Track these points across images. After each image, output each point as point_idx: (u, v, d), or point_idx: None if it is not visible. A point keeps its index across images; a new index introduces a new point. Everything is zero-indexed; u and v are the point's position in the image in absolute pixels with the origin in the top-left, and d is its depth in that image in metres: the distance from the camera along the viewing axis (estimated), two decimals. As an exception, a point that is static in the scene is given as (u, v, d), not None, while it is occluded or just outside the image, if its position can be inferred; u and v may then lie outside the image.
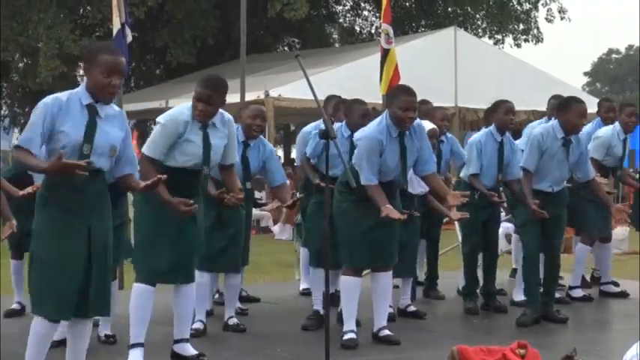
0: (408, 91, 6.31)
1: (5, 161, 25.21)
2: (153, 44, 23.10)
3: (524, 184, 7.12)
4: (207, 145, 5.66)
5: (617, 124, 8.40)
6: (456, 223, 8.74)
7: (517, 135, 8.73)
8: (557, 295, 7.68)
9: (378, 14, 24.41)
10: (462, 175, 7.82)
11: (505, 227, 9.22)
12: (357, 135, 6.41)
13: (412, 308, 7.51)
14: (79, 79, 22.57)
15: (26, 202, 5.96)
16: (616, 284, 8.70)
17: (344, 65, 17.73)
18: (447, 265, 8.97)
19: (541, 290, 7.45)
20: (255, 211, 15.89)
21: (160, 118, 5.66)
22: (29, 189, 6.34)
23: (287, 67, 18.02)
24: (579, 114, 7.05)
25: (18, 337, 6.33)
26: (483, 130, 7.78)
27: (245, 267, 7.28)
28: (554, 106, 8.46)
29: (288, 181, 7.29)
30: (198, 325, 6.51)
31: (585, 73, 69.96)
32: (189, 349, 5.80)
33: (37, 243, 4.56)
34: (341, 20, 28.64)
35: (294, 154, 21.76)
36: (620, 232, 12.65)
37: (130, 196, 7.13)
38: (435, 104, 8.87)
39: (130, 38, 9.07)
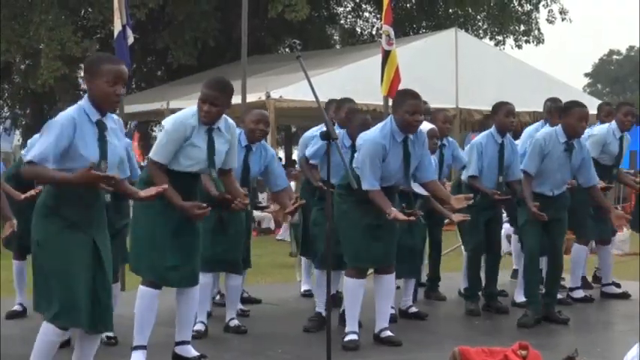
0: (414, 95, 6.32)
1: (6, 162, 25.22)
2: (154, 46, 23.11)
3: (524, 186, 7.14)
4: (211, 148, 5.67)
5: (613, 122, 8.44)
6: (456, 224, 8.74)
7: (517, 135, 8.74)
8: (558, 296, 7.69)
9: (379, 15, 24.42)
10: (462, 177, 7.83)
11: (506, 228, 9.22)
12: (360, 139, 6.41)
13: (414, 309, 7.52)
14: (80, 80, 22.59)
15: (27, 203, 5.98)
16: (617, 285, 8.70)
17: (345, 66, 17.73)
18: (447, 267, 8.96)
19: (543, 291, 7.46)
20: (256, 213, 15.88)
21: (167, 123, 5.66)
22: (32, 192, 6.37)
23: (288, 68, 18.03)
24: (579, 117, 7.06)
25: (20, 339, 6.35)
26: (484, 132, 7.79)
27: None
28: (549, 108, 8.48)
29: (289, 185, 7.28)
30: (199, 327, 6.52)
31: (586, 74, 69.93)
32: (191, 351, 5.81)
33: (43, 255, 4.53)
34: (342, 21, 28.65)
35: (295, 156, 21.79)
36: (622, 232, 12.65)
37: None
38: (436, 105, 8.90)
39: (131, 40, 9.09)
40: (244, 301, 7.91)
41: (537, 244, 7.17)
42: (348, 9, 28.44)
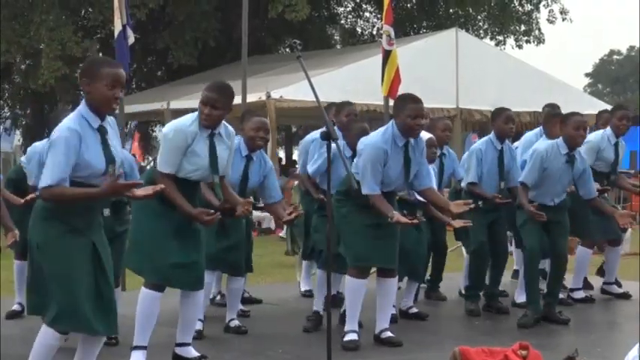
0: (415, 99, 6.32)
1: (7, 163, 25.23)
2: (154, 46, 23.10)
3: (521, 195, 7.14)
4: (213, 154, 5.67)
5: (608, 128, 8.32)
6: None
7: (517, 136, 8.72)
8: (559, 296, 7.70)
9: (379, 15, 24.42)
10: (462, 184, 7.84)
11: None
12: (361, 143, 6.41)
13: (414, 310, 7.52)
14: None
15: (28, 206, 5.99)
16: (619, 285, 8.70)
17: (345, 67, 17.72)
18: (448, 267, 8.95)
19: (545, 291, 7.46)
20: (256, 213, 15.86)
21: (167, 131, 5.64)
22: (32, 195, 6.39)
23: (288, 68, 18.02)
24: (576, 126, 7.07)
25: (20, 339, 6.36)
26: (483, 139, 7.80)
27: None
28: (546, 114, 8.47)
29: (282, 197, 7.24)
30: (198, 326, 6.51)
31: (587, 74, 69.93)
32: (192, 352, 5.81)
33: (43, 258, 4.50)
34: (342, 21, 28.63)
35: (295, 156, 21.80)
36: (631, 229, 12.63)
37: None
38: (437, 105, 8.91)
39: (131, 40, 9.10)
40: (245, 300, 7.92)
41: (537, 244, 7.17)
42: (348, 9, 28.43)
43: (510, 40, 27.17)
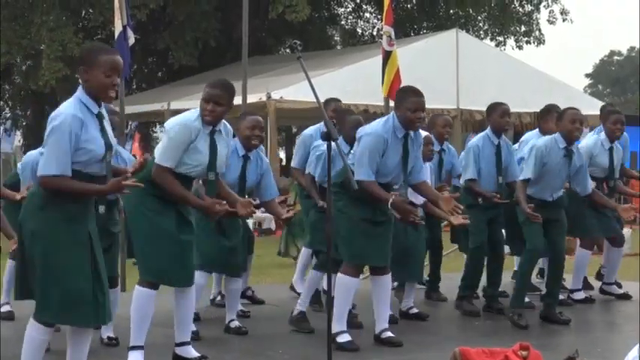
0: (416, 92, 6.34)
1: (7, 164, 25.21)
2: (155, 46, 23.12)
3: (519, 191, 7.10)
4: (213, 151, 5.68)
5: (602, 133, 8.23)
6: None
7: (517, 136, 8.72)
8: (559, 296, 7.70)
9: (379, 16, 24.41)
10: (461, 181, 7.83)
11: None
12: (360, 131, 6.41)
13: (414, 310, 7.52)
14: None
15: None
16: (619, 285, 8.70)
17: (346, 67, 17.74)
18: (448, 267, 8.97)
19: (544, 292, 7.46)
20: (257, 214, 15.84)
21: (170, 127, 5.62)
22: (24, 192, 6.42)
23: (289, 69, 18.04)
24: (572, 119, 7.08)
25: (15, 340, 6.33)
26: (479, 135, 7.79)
27: (249, 268, 7.28)
28: (541, 109, 8.43)
29: (278, 193, 7.24)
30: (193, 327, 6.48)
31: (587, 75, 69.95)
32: (192, 352, 5.81)
33: (39, 247, 4.47)
34: (342, 22, 28.66)
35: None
36: (624, 232, 12.62)
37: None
38: (437, 106, 8.92)
39: (132, 40, 9.10)
40: (249, 299, 7.91)
41: (540, 244, 7.14)
42: (348, 10, 28.45)
43: (511, 41, 27.21)
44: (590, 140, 8.29)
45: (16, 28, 20.67)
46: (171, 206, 5.59)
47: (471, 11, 26.54)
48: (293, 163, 7.86)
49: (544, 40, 27.09)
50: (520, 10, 26.82)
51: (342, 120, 7.17)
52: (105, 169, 4.61)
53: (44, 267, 4.46)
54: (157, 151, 5.65)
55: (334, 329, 6.21)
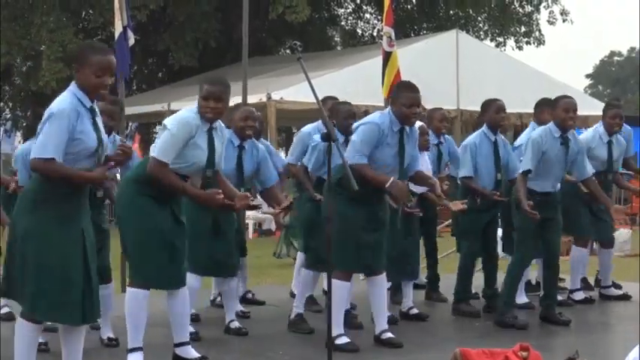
0: (412, 88, 6.35)
1: (7, 164, 25.20)
2: (155, 47, 23.13)
3: (520, 184, 7.03)
4: (212, 148, 5.69)
5: (600, 126, 8.26)
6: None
7: (517, 135, 8.71)
8: (559, 297, 7.69)
9: (379, 17, 24.42)
10: (458, 177, 7.82)
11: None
12: (359, 122, 6.44)
13: (415, 311, 7.51)
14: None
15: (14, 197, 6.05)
16: (618, 287, 8.68)
17: (346, 68, 17.75)
18: (448, 268, 8.95)
19: (542, 293, 7.45)
20: (257, 214, 15.83)
21: (171, 124, 5.60)
22: (13, 186, 6.47)
23: (289, 69, 18.04)
24: (565, 108, 7.06)
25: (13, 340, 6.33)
26: (476, 132, 7.77)
27: (248, 270, 7.27)
28: (536, 102, 8.44)
29: (278, 178, 7.27)
30: (192, 328, 6.47)
31: (587, 76, 69.98)
32: (192, 352, 5.80)
33: (31, 245, 4.47)
34: (343, 23, 28.67)
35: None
36: (624, 233, 12.65)
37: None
38: (437, 106, 8.89)
39: (132, 41, 9.10)
40: (249, 302, 7.89)
41: (532, 250, 7.16)
42: (348, 10, 28.47)
43: (511, 42, 27.24)
44: (588, 133, 8.33)
45: (16, 29, 20.69)
46: (163, 206, 5.56)
47: (471, 12, 26.57)
48: (289, 159, 7.83)
49: (544, 41, 27.11)
50: (520, 10, 26.84)
51: (335, 110, 7.20)
52: (96, 165, 4.62)
53: (36, 265, 4.47)
54: (156, 146, 5.63)
55: (332, 332, 6.23)
